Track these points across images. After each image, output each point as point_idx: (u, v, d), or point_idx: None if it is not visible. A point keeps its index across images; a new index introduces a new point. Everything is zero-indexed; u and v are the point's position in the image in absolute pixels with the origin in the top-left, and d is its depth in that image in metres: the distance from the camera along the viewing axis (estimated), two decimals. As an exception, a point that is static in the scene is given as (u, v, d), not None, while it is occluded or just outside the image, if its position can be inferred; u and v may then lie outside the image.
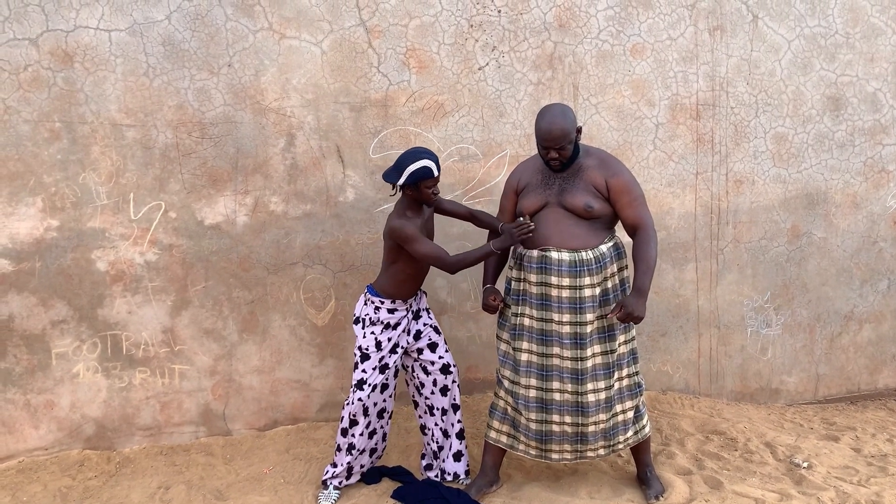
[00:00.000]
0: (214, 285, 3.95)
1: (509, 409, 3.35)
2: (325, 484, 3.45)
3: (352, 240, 4.08)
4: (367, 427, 3.38)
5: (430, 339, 3.48)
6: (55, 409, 3.83)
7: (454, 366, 3.52)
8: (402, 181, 3.18)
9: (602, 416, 3.18)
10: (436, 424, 3.55)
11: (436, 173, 3.20)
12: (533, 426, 3.25)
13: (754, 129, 4.42)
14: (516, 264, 3.27)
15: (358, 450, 3.39)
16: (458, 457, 3.55)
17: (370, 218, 4.09)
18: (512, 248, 3.34)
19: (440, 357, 3.48)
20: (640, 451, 3.42)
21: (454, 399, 3.54)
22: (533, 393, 3.24)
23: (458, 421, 3.55)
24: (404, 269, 3.33)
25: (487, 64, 4.09)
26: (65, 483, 3.60)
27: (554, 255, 3.10)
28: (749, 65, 4.35)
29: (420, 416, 3.62)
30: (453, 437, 3.55)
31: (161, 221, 3.84)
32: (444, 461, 3.56)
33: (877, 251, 4.73)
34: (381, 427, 3.49)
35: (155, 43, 3.71)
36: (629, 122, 4.28)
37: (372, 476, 3.57)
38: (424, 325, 3.49)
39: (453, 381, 3.52)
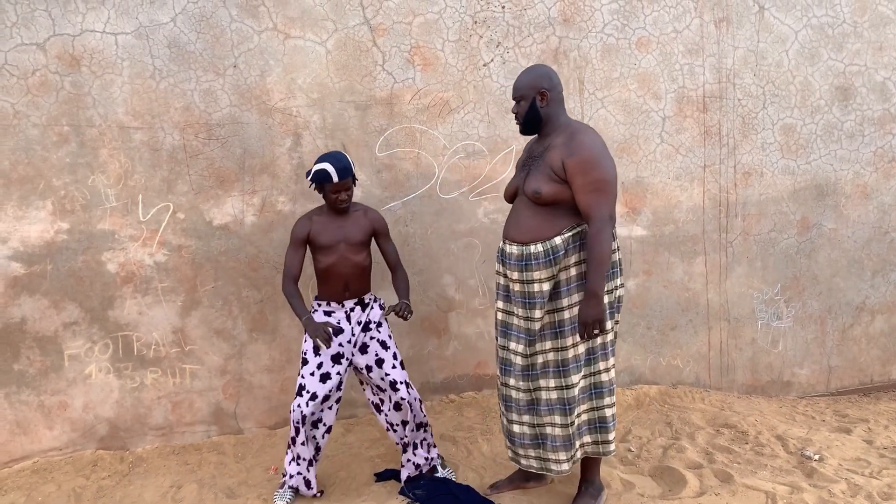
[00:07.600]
0: (224, 285, 3.97)
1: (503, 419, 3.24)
2: (282, 484, 3.38)
3: (359, 238, 4.09)
4: (305, 436, 3.26)
5: (376, 356, 3.36)
6: (68, 410, 3.87)
7: (403, 382, 3.35)
8: (308, 179, 3.28)
9: (557, 419, 2.97)
10: (401, 439, 3.47)
11: (335, 178, 3.15)
12: (505, 423, 3.16)
13: (762, 121, 4.40)
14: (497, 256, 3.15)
15: (303, 459, 3.29)
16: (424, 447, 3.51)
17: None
18: None
19: (387, 374, 3.34)
20: (590, 464, 3.18)
21: (414, 415, 3.39)
22: (504, 391, 3.13)
23: (423, 435, 3.48)
24: (317, 266, 3.38)
25: (492, 60, 4.09)
26: (79, 483, 3.63)
27: (507, 248, 2.98)
28: (756, 56, 4.32)
29: (387, 430, 3.54)
30: (419, 448, 3.48)
31: (170, 222, 3.87)
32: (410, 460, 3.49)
33: (888, 241, 4.69)
34: (314, 438, 3.35)
35: (161, 45, 3.73)
36: (635, 115, 4.26)
37: (383, 474, 3.58)
38: (371, 338, 3.38)
39: (403, 398, 3.32)
